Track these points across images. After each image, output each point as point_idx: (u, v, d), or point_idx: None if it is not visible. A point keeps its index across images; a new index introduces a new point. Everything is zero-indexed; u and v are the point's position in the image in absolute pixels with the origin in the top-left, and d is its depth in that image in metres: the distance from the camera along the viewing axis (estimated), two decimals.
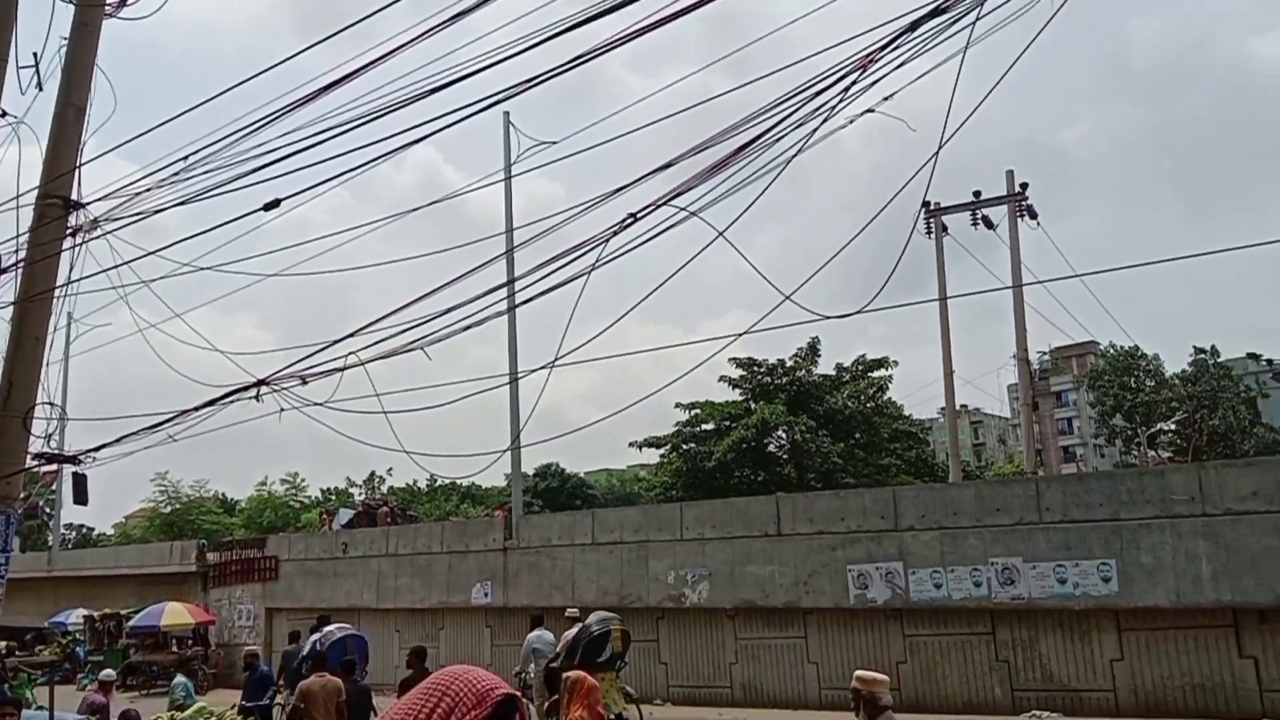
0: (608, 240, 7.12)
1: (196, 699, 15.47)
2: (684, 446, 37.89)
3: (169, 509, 53.22)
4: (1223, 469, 13.11)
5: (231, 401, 9.13)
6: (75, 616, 28.13)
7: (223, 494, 60.83)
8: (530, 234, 8.90)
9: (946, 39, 5.57)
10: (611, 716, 10.93)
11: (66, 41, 9.42)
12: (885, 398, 38.52)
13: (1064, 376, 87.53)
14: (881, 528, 15.00)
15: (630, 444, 39.76)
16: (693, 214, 7.10)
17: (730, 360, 37.08)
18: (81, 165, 9.27)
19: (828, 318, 7.10)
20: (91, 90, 9.36)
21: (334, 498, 58.55)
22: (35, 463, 9.32)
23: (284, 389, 8.81)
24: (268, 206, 8.46)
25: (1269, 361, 60.13)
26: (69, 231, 9.16)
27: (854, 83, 5.64)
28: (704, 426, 37.64)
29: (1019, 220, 23.60)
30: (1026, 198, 23.74)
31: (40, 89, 9.59)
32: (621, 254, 7.43)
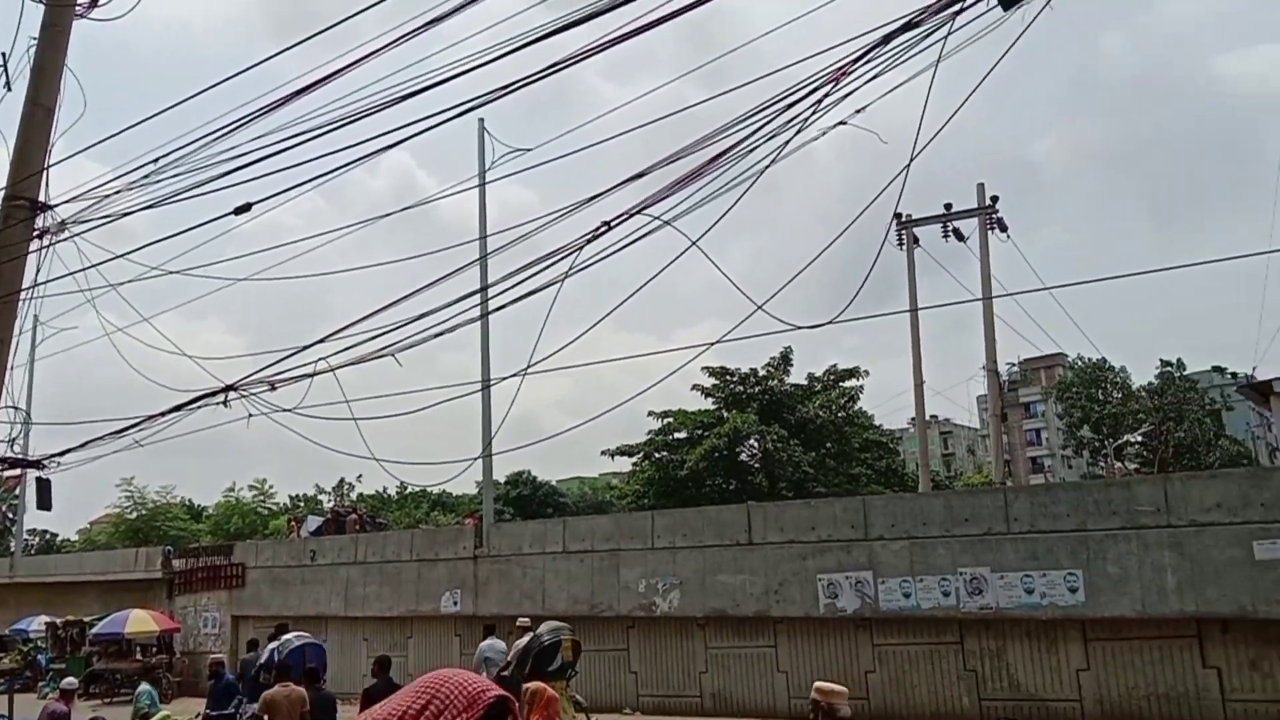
0: (581, 248, 7.13)
1: (161, 707, 15.27)
2: (656, 455, 37.89)
3: (135, 515, 52.57)
4: (1188, 481, 13.27)
5: (199, 407, 9.05)
6: (37, 623, 27.66)
7: (189, 500, 60.26)
8: (504, 241, 8.89)
9: (919, 53, 5.63)
10: None
11: (35, 41, 9.32)
12: (856, 408, 38.74)
13: (1033, 388, 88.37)
14: (851, 537, 15.07)
15: (603, 452, 39.81)
16: (666, 223, 7.13)
17: (703, 369, 37.18)
18: (49, 167, 9.17)
19: (800, 328, 7.15)
20: (61, 91, 9.26)
21: (302, 505, 58.09)
22: None
23: (252, 395, 8.74)
24: (239, 210, 8.41)
25: (1233, 375, 60.95)
26: (36, 233, 9.06)
27: (827, 95, 5.69)
28: (676, 435, 37.67)
29: (989, 233, 23.84)
30: (997, 211, 23.98)
31: (8, 89, 9.50)
32: (595, 262, 7.45)
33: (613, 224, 6.93)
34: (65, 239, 9.22)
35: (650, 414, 37.74)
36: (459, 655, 19.41)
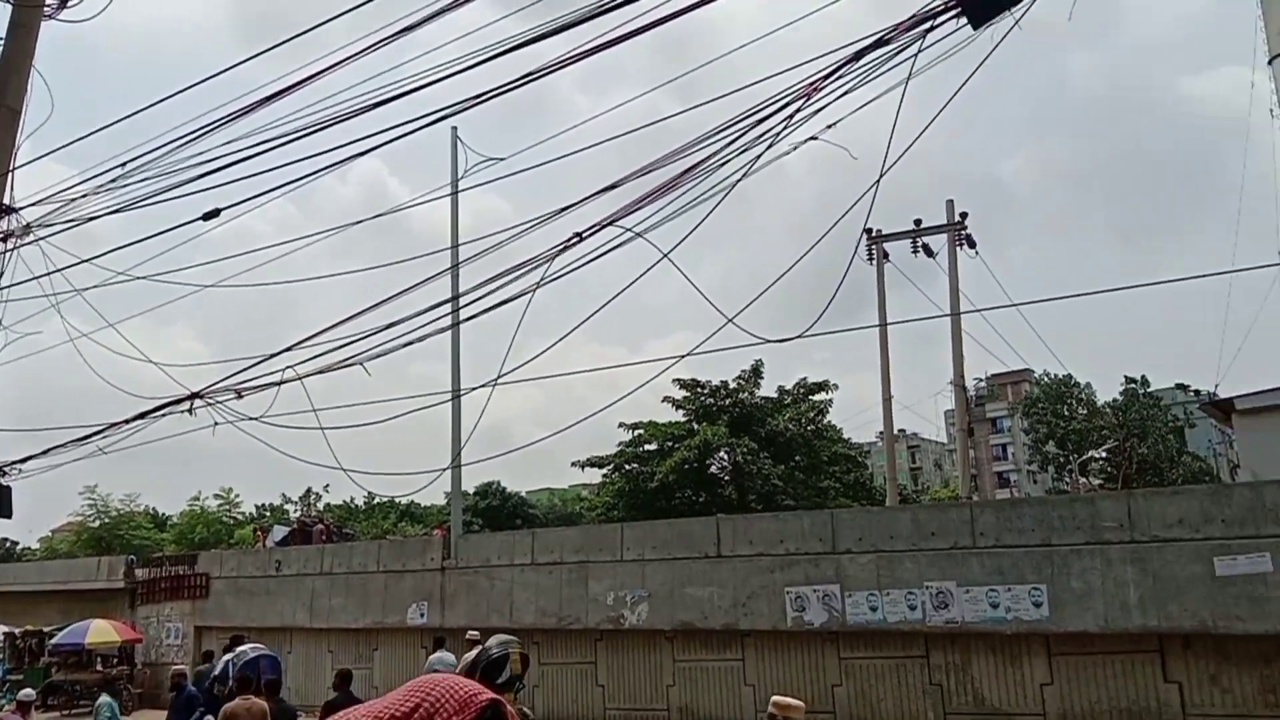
0: (553, 259, 7.13)
1: (121, 719, 15.04)
2: (626, 466, 37.88)
3: (97, 523, 51.85)
4: (1151, 497, 13.41)
5: (164, 414, 8.96)
6: None
7: (154, 509, 59.49)
8: (476, 250, 8.87)
9: (889, 70, 5.69)
10: None
11: (2, 41, 9.22)
12: (826, 421, 38.96)
13: (999, 403, 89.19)
14: (819, 550, 15.10)
15: (573, 463, 39.71)
16: (638, 235, 7.15)
17: (674, 381, 37.28)
18: (15, 169, 9.05)
19: (769, 341, 7.18)
20: (28, 93, 9.16)
21: (269, 514, 57.53)
22: None
23: (219, 403, 8.66)
24: (207, 216, 8.34)
25: (1197, 392, 61.85)
26: (1, 236, 8.94)
27: (798, 110, 5.74)
28: (647, 447, 37.69)
29: (958, 249, 24.08)
30: (966, 227, 24.24)
31: None
32: (566, 272, 7.45)
33: (584, 235, 6.95)
34: (30, 242, 9.11)
35: (621, 425, 37.75)
36: (425, 668, 19.27)
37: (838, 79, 5.53)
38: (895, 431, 27.35)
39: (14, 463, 9.68)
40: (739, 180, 6.53)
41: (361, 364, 8.22)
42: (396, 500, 55.55)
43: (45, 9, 9.48)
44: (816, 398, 38.13)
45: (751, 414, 36.69)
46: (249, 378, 8.50)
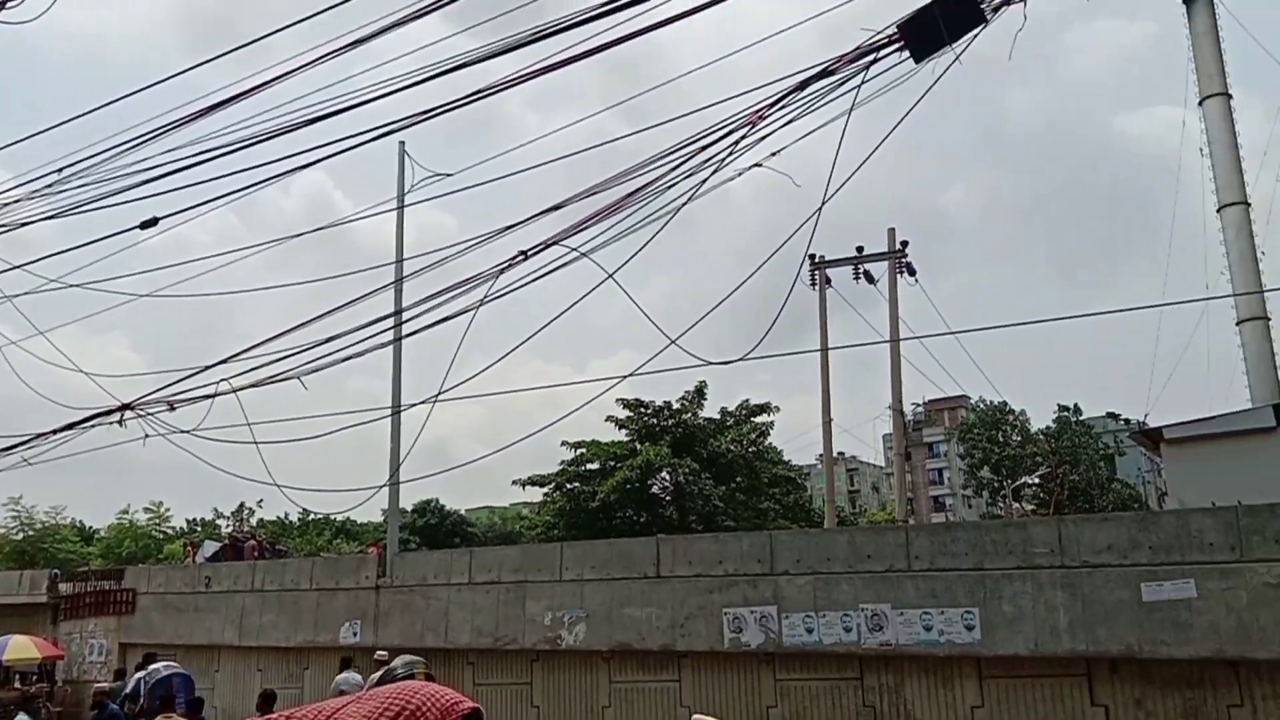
0: (496, 276, 7.12)
1: None
2: (568, 485, 37.77)
3: (20, 536, 50.25)
4: (1081, 523, 13.68)
5: (93, 425, 8.75)
6: None
7: (80, 522, 57.89)
8: (420, 265, 8.82)
9: (833, 100, 5.79)
10: None
11: None
12: (767, 443, 39.28)
13: (936, 429, 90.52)
14: (758, 572, 15.16)
15: (514, 482, 39.52)
16: (583, 255, 7.17)
17: (618, 401, 37.30)
18: None
19: (711, 364, 7.23)
20: None
21: (200, 529, 56.29)
22: None
23: (150, 414, 8.48)
24: (145, 225, 8.19)
25: (1127, 421, 63.36)
26: None
27: (743, 137, 5.81)
28: (589, 466, 37.63)
29: (899, 276, 24.48)
30: (906, 255, 24.66)
31: None
32: (511, 290, 7.44)
33: (529, 253, 6.95)
34: None
35: (563, 444, 37.69)
36: (331, 688, 18.98)
37: (782, 107, 5.62)
38: (834, 454, 27.64)
39: None
40: (684, 203, 6.59)
41: (298, 378, 8.11)
42: (332, 517, 54.77)
43: None
44: (758, 420, 38.42)
45: (694, 435, 36.85)
46: (182, 390, 8.34)
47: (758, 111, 5.66)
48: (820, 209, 5.98)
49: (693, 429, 37.01)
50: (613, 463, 36.38)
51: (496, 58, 6.51)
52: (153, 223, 8.14)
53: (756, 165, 6.44)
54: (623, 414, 37.28)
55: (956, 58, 5.19)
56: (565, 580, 16.84)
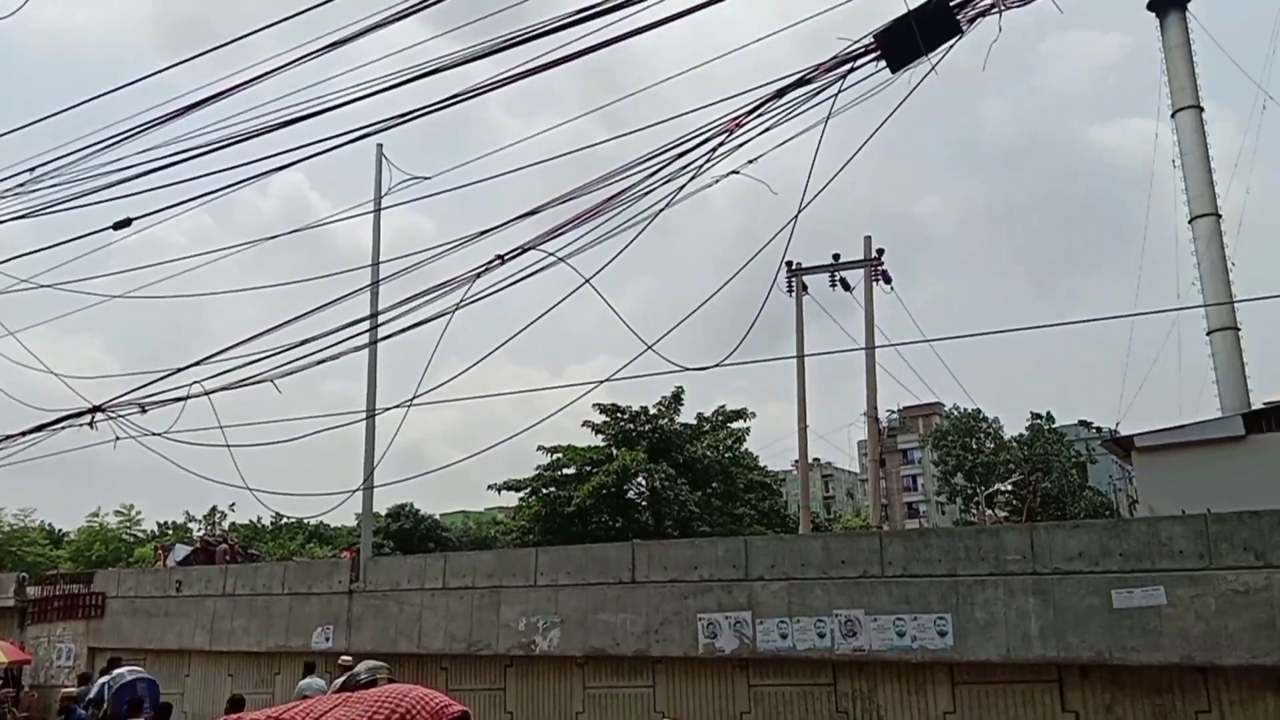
0: (473, 280, 7.10)
1: None
2: (544, 490, 37.67)
3: None
4: (1052, 530, 13.79)
5: (63, 427, 8.65)
6: None
7: (50, 525, 57.21)
8: (397, 268, 8.78)
9: (811, 108, 5.82)
10: None
11: None
12: (743, 449, 39.33)
13: (910, 435, 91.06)
14: (733, 577, 15.18)
15: (489, 486, 39.34)
16: (560, 259, 7.16)
17: (594, 406, 37.24)
18: None
19: (687, 369, 7.24)
20: None
21: (171, 533, 55.75)
22: None
23: (121, 416, 8.39)
24: (118, 225, 8.11)
25: (1098, 430, 63.99)
26: None
27: (721, 144, 5.83)
28: (565, 471, 37.55)
29: (874, 284, 24.61)
30: (882, 263, 24.80)
31: None
32: (487, 295, 7.43)
33: (506, 258, 6.94)
34: None
35: (540, 449, 37.59)
36: (295, 693, 18.88)
37: (760, 115, 5.65)
38: (810, 460, 27.72)
39: None
40: (662, 209, 6.60)
41: (272, 381, 8.05)
42: (305, 521, 54.29)
43: None
44: (734, 425, 38.49)
45: (670, 440, 36.86)
46: (154, 392, 8.27)
47: (735, 119, 5.69)
48: (796, 216, 6.01)
49: (669, 434, 37.02)
50: (589, 468, 36.33)
51: (475, 61, 6.50)
52: (126, 223, 8.06)
53: (734, 172, 6.47)
54: (599, 419, 37.26)
55: (933, 68, 5.24)
56: (540, 585, 16.80)
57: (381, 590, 18.52)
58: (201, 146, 7.56)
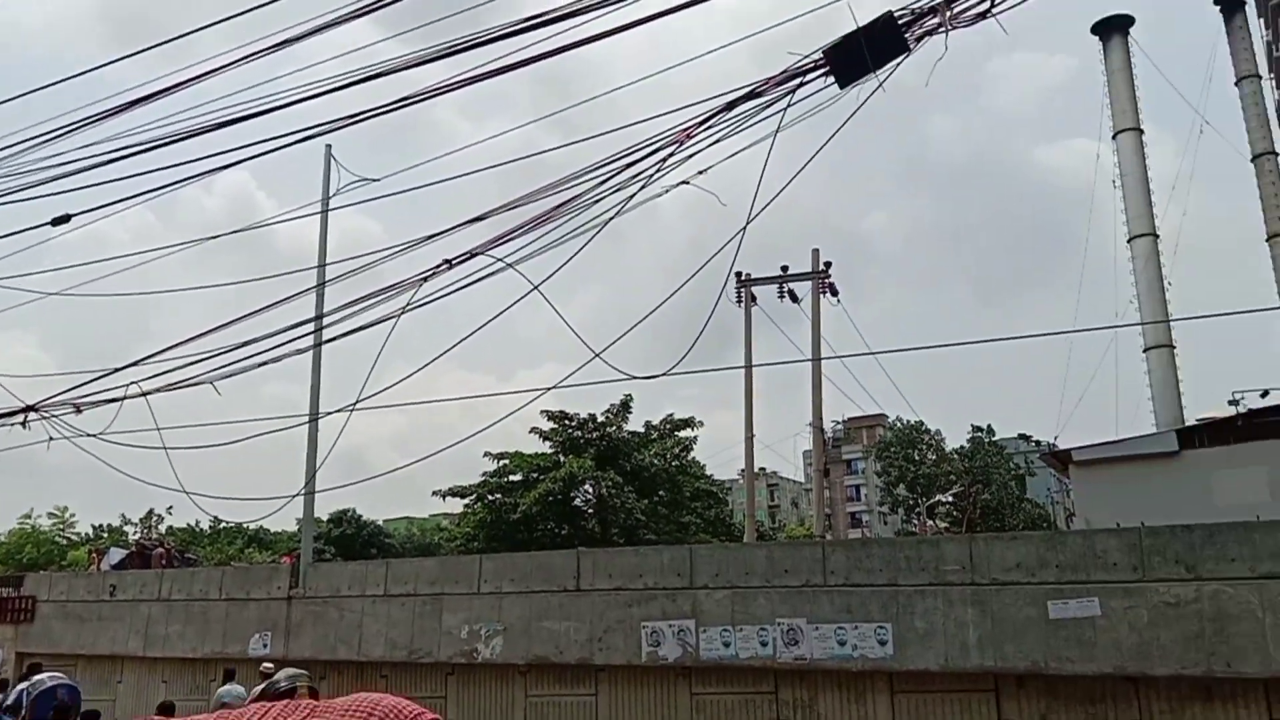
0: (420, 284, 7.05)
1: None
2: (489, 497, 37.45)
3: None
4: (991, 541, 14.02)
5: None
6: None
7: None
8: (343, 270, 8.69)
9: (760, 121, 5.87)
10: None
11: None
12: (690, 457, 39.46)
13: (855, 446, 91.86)
14: (677, 585, 15.21)
15: (434, 492, 39.02)
16: (509, 265, 7.14)
17: (542, 412, 37.12)
18: None
19: (635, 377, 7.26)
20: None
21: (106, 535, 54.45)
22: None
23: (55, 416, 8.20)
24: (57, 221, 7.94)
25: (1037, 443, 65.12)
26: None
27: (671, 154, 5.86)
28: (511, 477, 37.36)
29: (822, 297, 24.86)
30: (829, 276, 25.07)
31: None
32: (434, 299, 7.38)
33: (454, 262, 6.90)
34: None
35: (486, 455, 37.34)
36: (214, 700, 18.57)
37: (710, 127, 5.68)
38: (756, 469, 27.90)
39: None
40: (612, 218, 6.61)
41: (211, 383, 7.92)
42: (244, 525, 53.34)
43: None
44: (682, 434, 38.61)
45: (618, 448, 36.85)
46: (90, 392, 8.08)
47: (686, 130, 5.72)
48: (745, 227, 6.06)
49: (617, 442, 37.02)
50: (535, 474, 36.18)
51: (427, 64, 6.47)
52: (65, 219, 7.88)
53: (684, 183, 6.50)
54: (547, 426, 37.14)
55: (880, 84, 5.32)
56: (483, 593, 16.69)
57: (322, 596, 18.27)
58: (145, 143, 7.43)
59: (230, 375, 8.03)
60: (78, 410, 8.15)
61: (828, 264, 25.20)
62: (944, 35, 5.14)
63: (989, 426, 63.58)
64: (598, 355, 6.97)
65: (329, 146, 19.89)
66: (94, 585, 22.12)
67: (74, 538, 54.01)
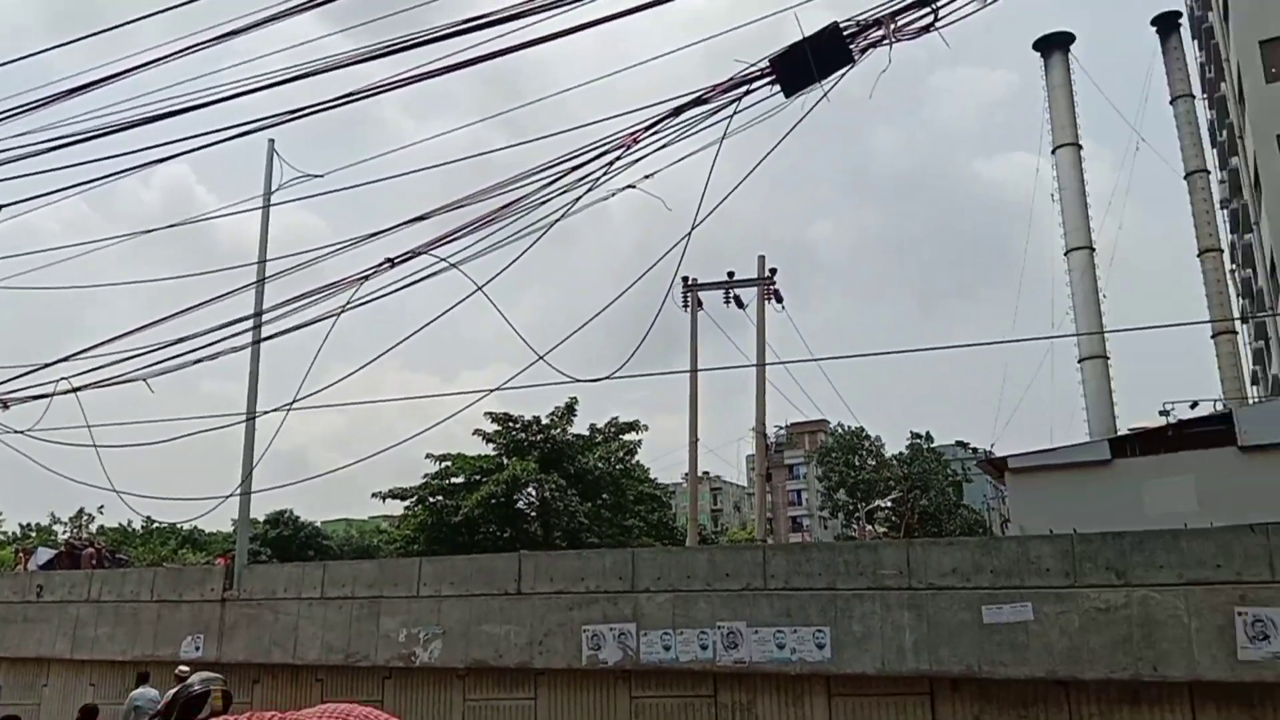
0: (361, 282, 6.97)
1: None
2: (431, 499, 37.10)
3: None
4: (928, 546, 14.21)
5: None
6: None
7: None
8: (284, 267, 8.56)
9: (707, 127, 5.90)
10: None
11: None
12: (634, 461, 39.48)
13: (797, 451, 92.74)
14: (619, 589, 15.20)
15: (374, 494, 38.58)
16: (453, 265, 7.08)
17: (486, 414, 36.91)
18: None
19: (579, 380, 7.25)
20: None
21: (34, 535, 53.04)
22: None
23: None
24: None
25: (974, 450, 66.23)
26: None
27: (618, 158, 5.86)
28: (454, 479, 37.06)
29: (767, 303, 25.04)
30: (774, 282, 25.26)
31: None
32: (376, 298, 7.30)
33: (396, 261, 6.83)
34: None
35: (428, 456, 37.00)
36: (126, 704, 18.23)
37: (657, 132, 5.70)
38: (699, 473, 28.01)
39: None
40: (558, 220, 6.60)
41: (144, 380, 7.74)
42: (178, 526, 52.28)
43: None
44: (627, 437, 38.60)
45: (562, 451, 36.74)
46: (18, 387, 7.86)
47: (633, 134, 5.73)
48: (690, 233, 6.09)
49: (561, 445, 36.91)
50: (478, 477, 35.94)
51: (373, 61, 6.40)
52: None
53: (630, 187, 6.50)
54: (490, 428, 36.91)
55: (825, 94, 5.38)
56: (422, 596, 16.53)
57: (256, 599, 17.96)
58: (82, 133, 7.25)
59: (165, 372, 7.87)
60: (5, 406, 7.94)
61: (773, 270, 25.42)
62: (888, 47, 5.21)
63: (928, 434, 64.56)
64: (542, 358, 6.95)
65: (271, 141, 19.61)
66: (20, 586, 21.51)
67: (0, 537, 52.53)
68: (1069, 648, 12.34)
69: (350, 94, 6.70)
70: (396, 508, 40.67)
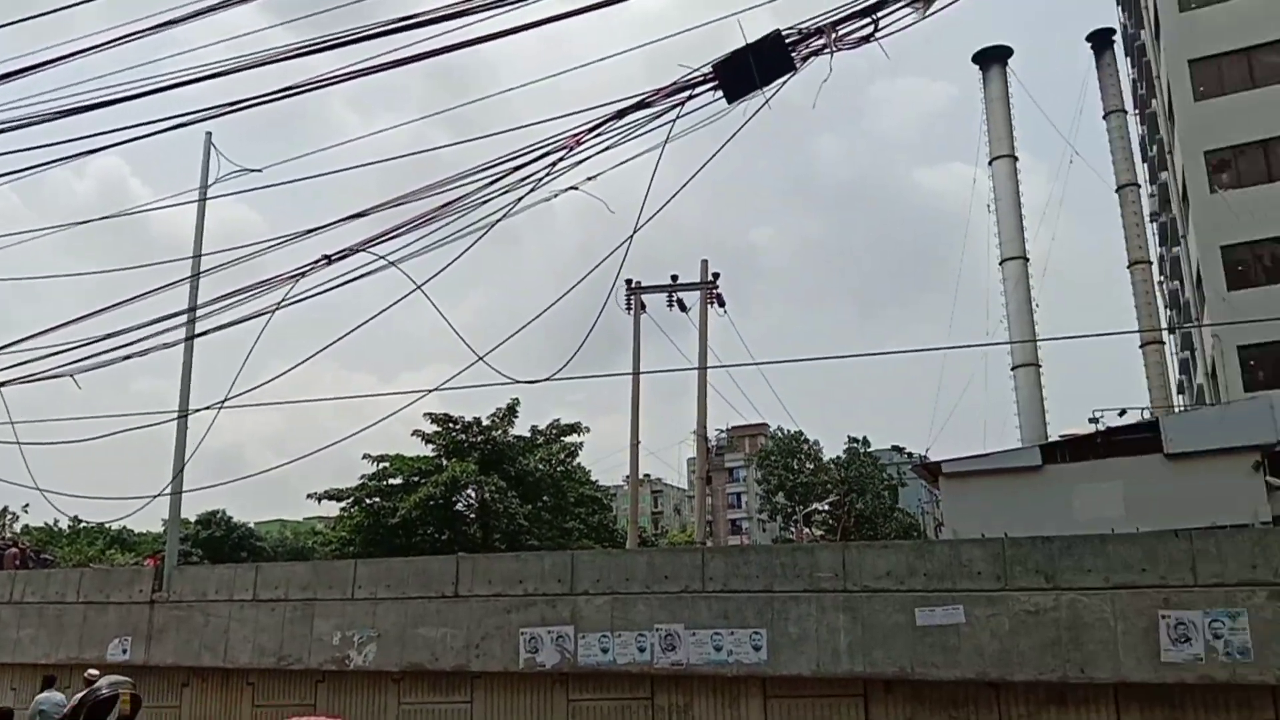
0: (297, 279, 6.87)
1: None
2: (368, 500, 36.63)
3: None
4: (863, 549, 14.39)
5: None
6: None
7: None
8: (220, 261, 8.41)
9: (649, 131, 5.93)
10: None
11: None
12: (575, 463, 39.38)
13: (737, 454, 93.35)
14: (558, 591, 15.16)
15: (309, 495, 38.01)
16: (391, 264, 7.02)
17: (425, 415, 36.57)
18: None
19: (518, 382, 7.22)
20: None
21: None
22: None
23: None
24: None
25: (910, 455, 67.20)
26: None
27: (561, 159, 5.86)
28: (391, 481, 36.64)
29: (709, 307, 25.19)
30: (717, 286, 25.42)
31: None
32: (312, 295, 7.20)
33: (333, 258, 6.75)
34: None
35: (366, 457, 36.53)
36: (32, 708, 17.79)
37: (600, 134, 5.71)
38: (640, 476, 28.06)
39: None
40: (499, 219, 6.58)
41: (71, 375, 7.55)
42: (107, 525, 51.02)
43: None
44: (568, 439, 38.49)
45: (503, 452, 36.52)
46: None
47: (575, 136, 5.73)
48: (632, 236, 6.11)
49: (502, 446, 36.67)
50: (417, 478, 35.57)
51: (315, 54, 6.32)
52: None
53: (573, 188, 6.50)
54: (430, 428, 36.56)
55: (766, 101, 5.43)
56: (358, 598, 16.33)
57: (187, 601, 17.60)
58: (11, 120, 7.07)
59: (95, 368, 7.69)
60: None
61: (716, 275, 25.58)
62: (829, 56, 5.28)
63: (865, 438, 65.33)
64: (481, 359, 6.92)
65: (209, 134, 19.23)
66: None
67: None
68: (999, 650, 12.58)
69: (291, 87, 6.61)
70: (333, 509, 40.11)
